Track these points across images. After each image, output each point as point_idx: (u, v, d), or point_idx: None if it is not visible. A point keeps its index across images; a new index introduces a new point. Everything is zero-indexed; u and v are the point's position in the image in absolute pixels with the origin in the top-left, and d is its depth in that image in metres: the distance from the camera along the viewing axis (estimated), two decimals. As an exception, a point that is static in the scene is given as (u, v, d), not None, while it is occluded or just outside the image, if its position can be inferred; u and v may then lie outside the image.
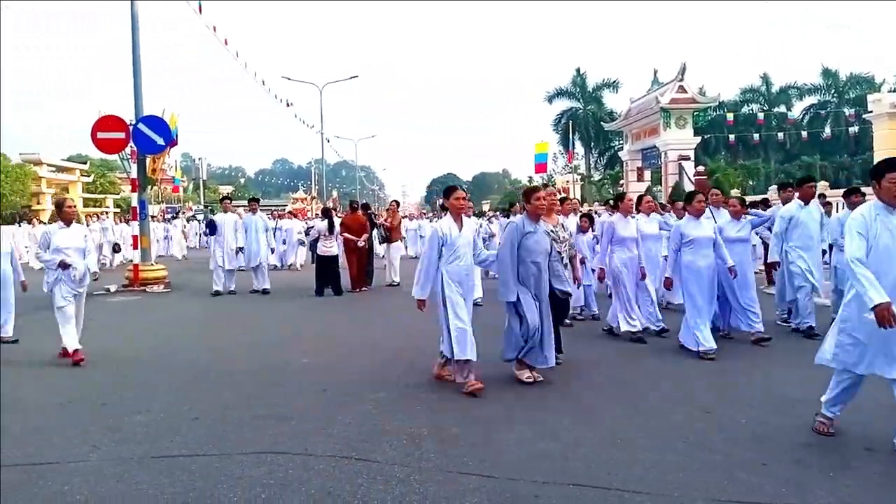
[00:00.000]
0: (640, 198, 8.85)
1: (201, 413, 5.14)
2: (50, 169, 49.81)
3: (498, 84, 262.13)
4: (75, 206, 7.54)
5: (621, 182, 37.62)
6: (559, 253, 6.24)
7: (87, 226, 21.71)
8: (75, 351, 6.91)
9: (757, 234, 8.90)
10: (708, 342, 6.83)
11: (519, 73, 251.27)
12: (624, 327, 7.77)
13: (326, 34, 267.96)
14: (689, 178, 28.17)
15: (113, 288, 14.00)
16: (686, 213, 7.44)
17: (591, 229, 9.56)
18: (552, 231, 6.14)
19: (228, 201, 14.77)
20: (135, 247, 14.92)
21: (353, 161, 72.64)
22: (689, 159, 29.21)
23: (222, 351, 7.67)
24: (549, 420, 4.88)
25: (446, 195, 6.10)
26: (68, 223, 7.18)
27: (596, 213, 16.82)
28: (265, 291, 13.29)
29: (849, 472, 3.84)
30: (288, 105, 32.32)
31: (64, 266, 6.88)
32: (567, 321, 6.89)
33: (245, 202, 17.99)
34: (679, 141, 29.32)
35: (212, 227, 13.47)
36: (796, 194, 8.36)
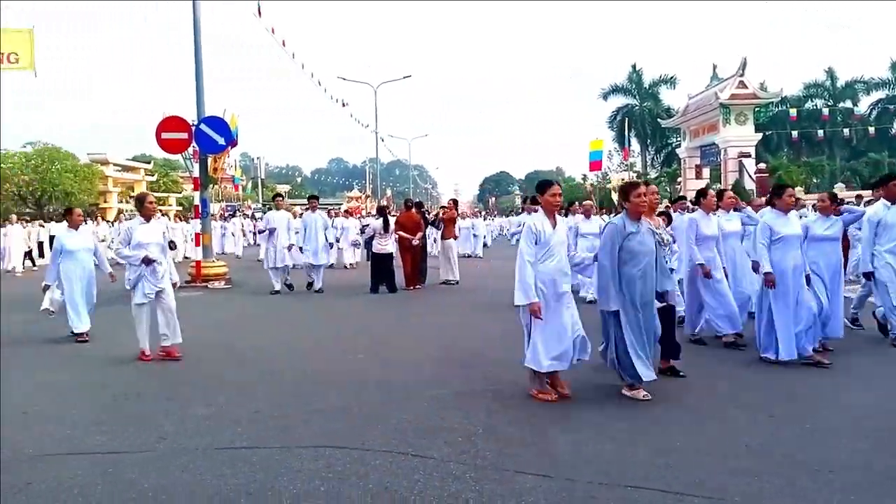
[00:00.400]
0: (720, 193, 8.37)
1: (261, 407, 5.27)
2: (116, 168, 51.67)
3: (551, 81, 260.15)
4: (156, 202, 7.55)
5: (679, 180, 36.94)
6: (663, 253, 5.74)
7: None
8: (143, 351, 7.00)
9: (847, 234, 8.08)
10: (788, 351, 6.32)
11: (573, 70, 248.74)
12: (686, 331, 7.59)
13: (380, 34, 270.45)
14: (750, 176, 27.48)
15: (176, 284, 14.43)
16: (772, 209, 6.80)
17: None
18: (656, 231, 5.61)
19: (281, 198, 14.68)
20: (197, 244, 15.35)
21: (406, 160, 73.29)
22: (749, 156, 28.51)
23: (280, 347, 7.84)
24: (607, 421, 4.83)
25: (541, 190, 5.57)
26: (148, 218, 7.16)
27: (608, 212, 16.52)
28: (319, 290, 13.16)
29: (922, 482, 3.69)
30: (343, 105, 32.78)
31: (148, 261, 6.83)
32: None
33: (305, 201, 17.92)
34: (739, 137, 28.61)
35: (272, 232, 13.17)
36: (881, 193, 7.72)
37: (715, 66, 31.48)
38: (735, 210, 8.23)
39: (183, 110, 15.14)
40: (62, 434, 4.69)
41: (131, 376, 6.47)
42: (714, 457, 4.09)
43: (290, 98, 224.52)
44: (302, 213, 14.26)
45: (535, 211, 7.78)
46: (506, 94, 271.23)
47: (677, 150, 38.50)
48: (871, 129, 40.64)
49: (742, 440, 4.38)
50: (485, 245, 26.15)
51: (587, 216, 11.68)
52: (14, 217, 21.95)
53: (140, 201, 7.42)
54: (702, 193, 7.89)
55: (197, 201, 15.18)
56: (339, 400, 5.44)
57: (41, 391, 5.93)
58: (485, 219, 29.68)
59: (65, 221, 8.75)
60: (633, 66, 51.16)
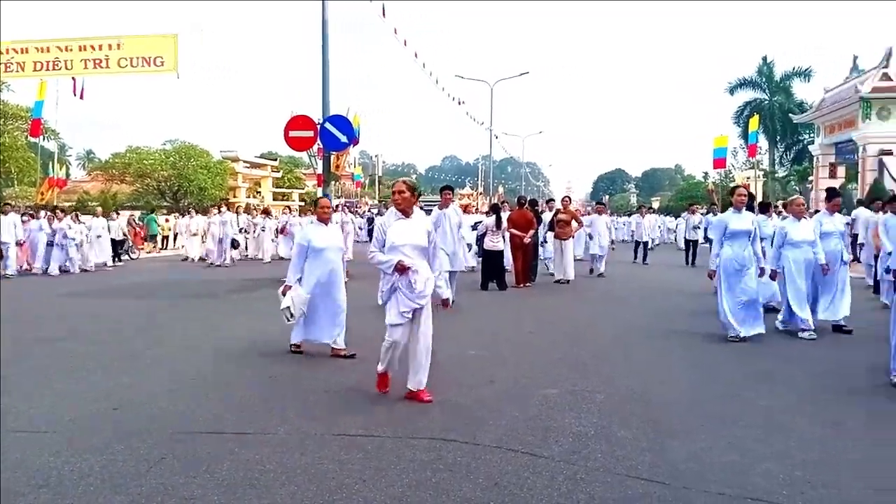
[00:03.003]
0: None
1: (377, 397, 5.42)
2: (245, 165, 54.51)
3: (671, 75, 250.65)
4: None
5: (810, 179, 34.75)
6: None
7: (208, 218, 20.93)
8: (419, 391, 5.31)
9: None
10: None
11: (697, 63, 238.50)
12: None
13: (498, 32, 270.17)
14: (892, 176, 25.44)
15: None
16: None
17: None
18: None
19: (449, 192, 11.77)
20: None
21: (518, 157, 73.04)
22: (891, 154, 26.34)
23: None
24: (728, 430, 4.63)
25: None
26: (407, 214, 5.39)
27: (780, 213, 15.53)
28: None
29: None
30: (460, 103, 33.09)
31: (401, 269, 5.22)
32: None
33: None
34: (880, 134, 26.54)
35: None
36: None
37: (855, 58, 29.36)
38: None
39: (308, 108, 15.78)
40: (195, 414, 5.03)
41: (258, 360, 6.83)
42: (855, 473, 3.83)
43: (408, 96, 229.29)
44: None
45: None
46: (623, 89, 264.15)
47: (810, 148, 36.22)
48: None
49: (891, 456, 4.09)
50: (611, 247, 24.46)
51: (798, 217, 8.52)
52: (99, 210, 21.49)
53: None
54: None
55: (320, 196, 15.78)
56: (451, 395, 5.49)
57: (176, 371, 6.38)
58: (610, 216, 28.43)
59: (312, 215, 7.66)
60: (764, 59, 48.50)
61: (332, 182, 17.65)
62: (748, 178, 34.88)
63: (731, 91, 49.37)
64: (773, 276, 8.33)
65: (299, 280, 6.94)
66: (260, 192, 53.74)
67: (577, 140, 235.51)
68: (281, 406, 5.17)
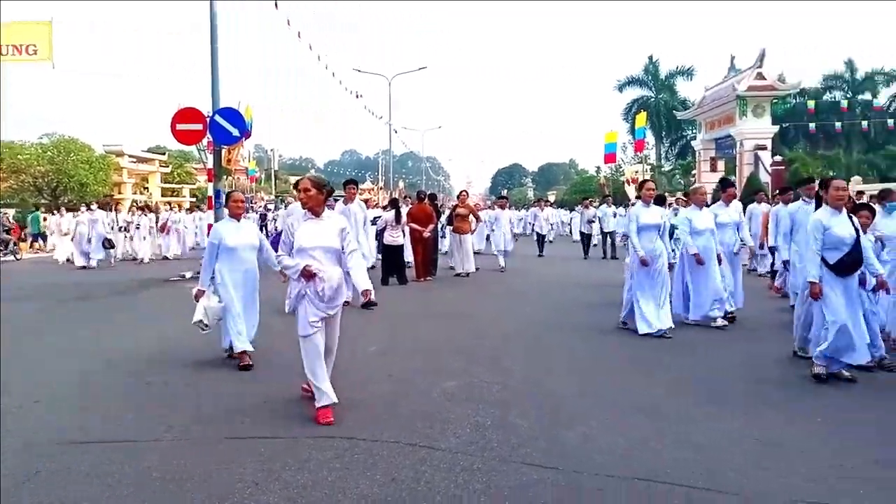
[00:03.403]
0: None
1: (269, 397, 5.28)
2: (131, 159, 51.89)
3: (565, 73, 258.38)
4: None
5: (693, 172, 36.74)
6: None
7: (75, 216, 19.48)
8: (324, 408, 4.70)
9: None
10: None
11: (589, 61, 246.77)
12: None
13: (396, 26, 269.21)
14: (766, 169, 27.25)
15: (188, 274, 14.51)
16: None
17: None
18: None
19: (353, 186, 11.27)
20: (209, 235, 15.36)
21: (418, 152, 73.22)
22: (765, 149, 28.24)
23: (286, 340, 7.81)
24: (616, 416, 4.80)
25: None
26: (317, 213, 4.88)
27: (670, 205, 16.23)
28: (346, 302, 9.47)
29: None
30: (358, 97, 32.69)
31: (308, 276, 4.71)
32: None
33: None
34: (756, 130, 28.38)
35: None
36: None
37: (733, 58, 31.18)
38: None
39: (198, 101, 15.06)
40: (74, 423, 4.73)
41: (144, 365, 6.47)
42: (724, 452, 4.05)
43: (305, 90, 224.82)
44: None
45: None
46: (520, 85, 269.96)
47: (692, 143, 38.29)
48: (890, 122, 40.07)
49: (754, 434, 4.35)
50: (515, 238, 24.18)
51: (700, 206, 8.60)
52: None
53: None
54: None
55: (210, 192, 15.19)
56: (348, 392, 5.39)
57: (54, 380, 5.97)
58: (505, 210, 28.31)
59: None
60: (650, 58, 50.82)
61: (225, 177, 16.98)
62: (636, 171, 36.36)
63: (620, 88, 51.53)
64: (699, 261, 8.07)
65: (212, 279, 6.44)
66: (148, 189, 51.20)
67: (475, 135, 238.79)
68: (169, 412, 4.93)
